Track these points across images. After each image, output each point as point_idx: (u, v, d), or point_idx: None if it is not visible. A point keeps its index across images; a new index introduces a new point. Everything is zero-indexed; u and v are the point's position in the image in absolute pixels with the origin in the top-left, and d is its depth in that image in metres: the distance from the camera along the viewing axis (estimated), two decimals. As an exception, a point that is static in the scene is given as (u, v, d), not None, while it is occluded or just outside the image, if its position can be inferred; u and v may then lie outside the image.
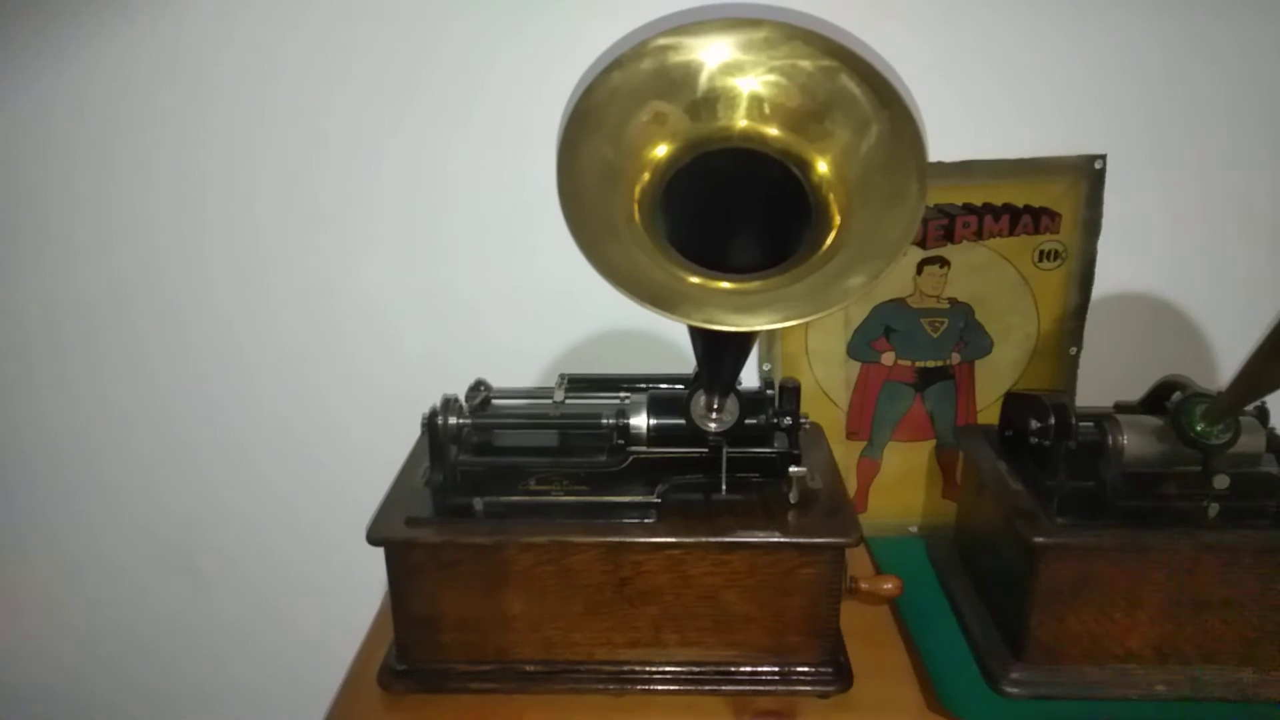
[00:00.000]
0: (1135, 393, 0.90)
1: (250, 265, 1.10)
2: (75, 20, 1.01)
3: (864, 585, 0.89)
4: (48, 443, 1.19)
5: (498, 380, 0.95)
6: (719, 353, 0.74)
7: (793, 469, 0.82)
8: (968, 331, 1.05)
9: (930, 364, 1.06)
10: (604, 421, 0.86)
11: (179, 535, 1.23)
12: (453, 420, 0.83)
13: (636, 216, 0.58)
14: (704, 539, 0.79)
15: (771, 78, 0.57)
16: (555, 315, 1.11)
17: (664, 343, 1.09)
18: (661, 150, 0.58)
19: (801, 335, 1.05)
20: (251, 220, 1.08)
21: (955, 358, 1.06)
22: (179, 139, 1.05)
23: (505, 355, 1.11)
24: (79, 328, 1.13)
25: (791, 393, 0.85)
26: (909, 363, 1.06)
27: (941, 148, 0.96)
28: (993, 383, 1.06)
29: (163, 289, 1.11)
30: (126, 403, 1.17)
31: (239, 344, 1.14)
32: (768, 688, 0.83)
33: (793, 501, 0.82)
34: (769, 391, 0.86)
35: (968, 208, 1.00)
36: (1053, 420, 0.84)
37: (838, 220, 0.58)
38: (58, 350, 1.15)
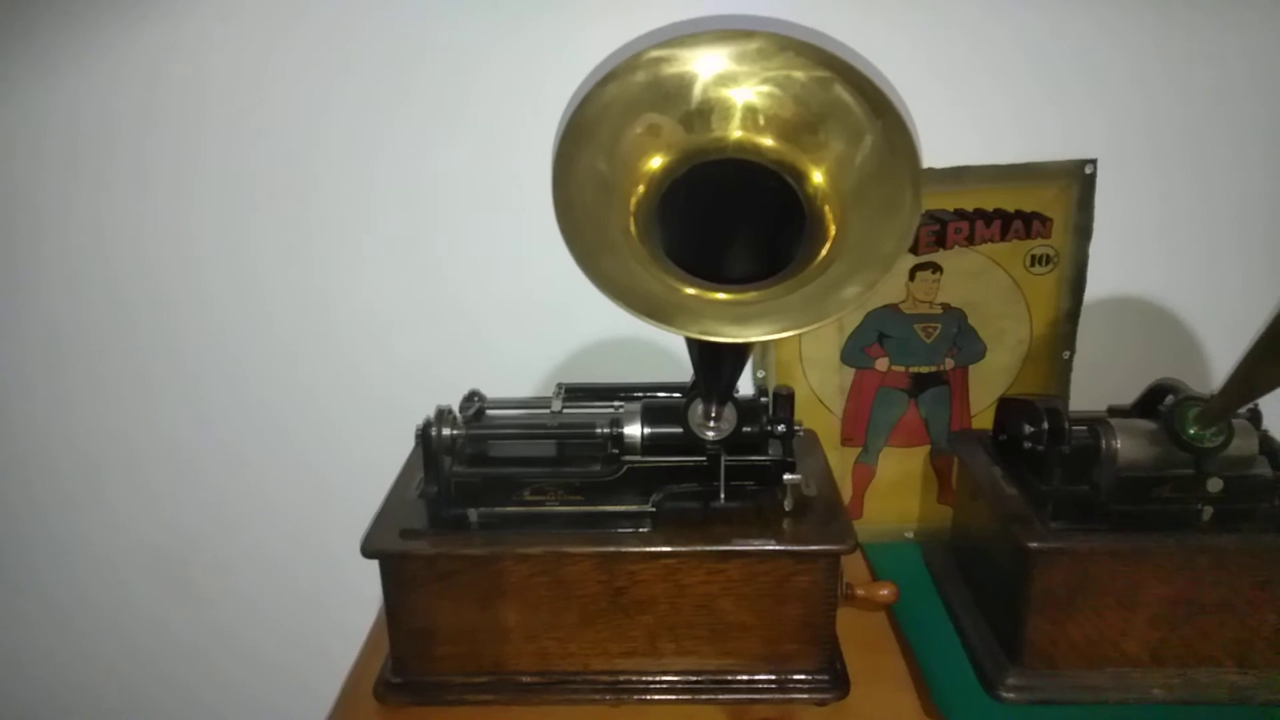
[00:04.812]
0: (1128, 397, 0.90)
1: (247, 275, 1.10)
2: (68, 33, 1.01)
3: (860, 592, 0.89)
4: (47, 452, 1.19)
5: (496, 391, 0.95)
6: (716, 362, 0.74)
7: (787, 476, 0.82)
8: (961, 337, 1.05)
9: (924, 369, 1.06)
10: (598, 431, 0.86)
11: (177, 544, 1.23)
12: (446, 431, 0.83)
13: (632, 228, 0.58)
14: (699, 548, 0.79)
15: (765, 89, 0.56)
16: (553, 325, 1.11)
17: (662, 351, 1.09)
18: (656, 162, 0.58)
19: (795, 342, 1.05)
20: (248, 231, 1.08)
21: (949, 363, 1.06)
22: (173, 149, 1.05)
23: (504, 366, 1.11)
24: (77, 336, 1.13)
25: (785, 400, 0.84)
26: (903, 368, 1.06)
27: (932, 153, 0.96)
28: (986, 388, 1.07)
29: (160, 298, 1.11)
30: (124, 413, 1.17)
31: (236, 354, 1.14)
32: (764, 696, 0.83)
33: (788, 509, 0.82)
34: (763, 399, 0.86)
35: (959, 213, 1.00)
36: (1046, 425, 0.85)
37: (833, 230, 0.58)
38: (56, 358, 1.14)
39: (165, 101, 1.04)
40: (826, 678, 0.83)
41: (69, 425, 1.18)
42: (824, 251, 0.58)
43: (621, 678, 0.83)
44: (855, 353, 1.06)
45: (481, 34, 1.00)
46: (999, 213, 1.00)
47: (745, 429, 0.83)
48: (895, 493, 1.10)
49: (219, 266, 1.10)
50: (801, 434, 0.87)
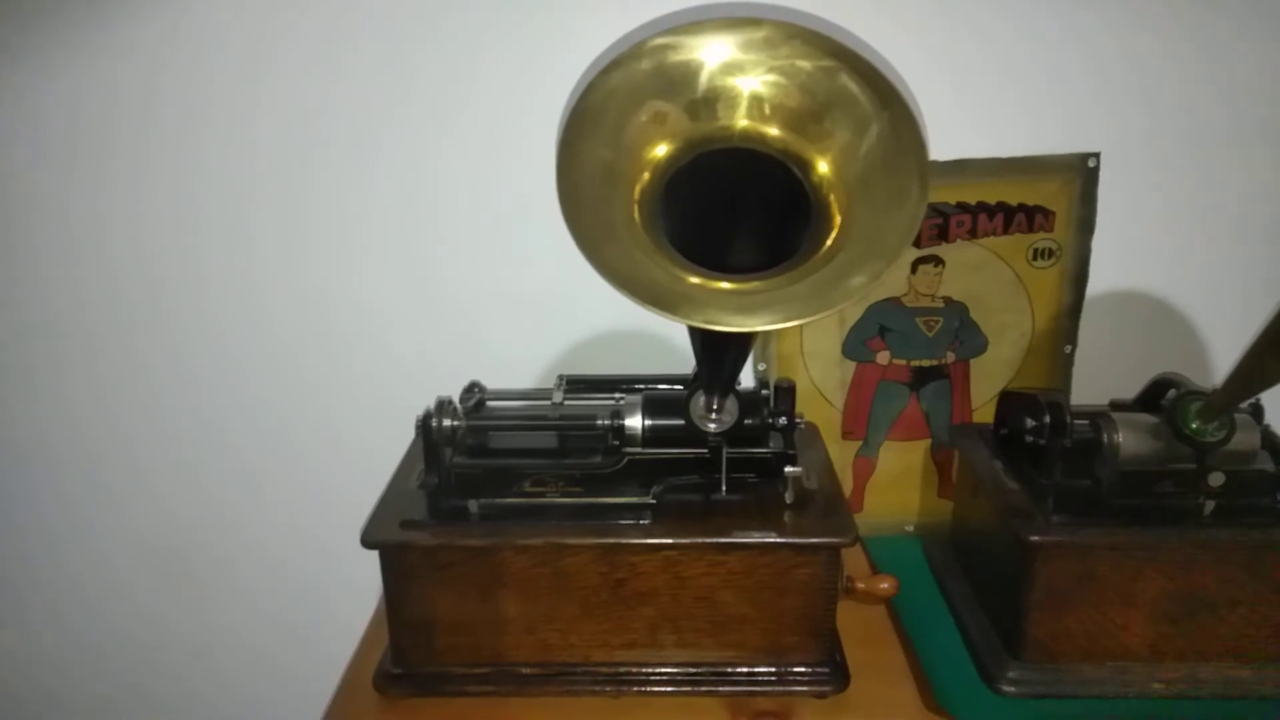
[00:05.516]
0: (1130, 391, 0.90)
1: (247, 269, 1.10)
2: (67, 29, 1.00)
3: (860, 585, 0.89)
4: (47, 447, 1.19)
5: (498, 382, 0.94)
6: (719, 353, 0.74)
7: (788, 469, 0.81)
8: (962, 330, 1.05)
9: (925, 363, 1.06)
10: (599, 423, 0.85)
11: (176, 537, 1.23)
12: (447, 422, 0.82)
13: (636, 217, 0.58)
14: (699, 540, 0.79)
15: (771, 77, 0.56)
16: (555, 317, 1.10)
17: (665, 343, 1.09)
18: (661, 150, 0.58)
19: (797, 335, 1.05)
20: (248, 225, 1.08)
21: (950, 356, 1.06)
22: (173, 145, 1.05)
23: (505, 358, 1.11)
24: (77, 332, 1.13)
25: (786, 393, 0.84)
26: (904, 362, 1.06)
27: (935, 146, 0.95)
28: (988, 381, 1.06)
29: (160, 294, 1.11)
30: (124, 407, 1.16)
31: (236, 348, 1.13)
32: (765, 688, 0.83)
33: (789, 502, 0.82)
34: (764, 392, 0.86)
35: (962, 206, 1.00)
36: (1048, 418, 0.84)
37: (838, 220, 0.58)
38: (56, 355, 1.14)
39: (165, 99, 1.03)
40: (826, 670, 0.83)
41: (69, 421, 1.17)
42: (829, 241, 0.58)
43: (622, 669, 0.83)
44: (856, 346, 1.06)
45: (482, 26, 1.00)
46: (1001, 206, 1.00)
47: (746, 421, 0.83)
48: (896, 486, 1.10)
49: (219, 262, 1.10)
50: (802, 427, 0.86)
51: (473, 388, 0.93)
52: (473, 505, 0.82)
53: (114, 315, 1.12)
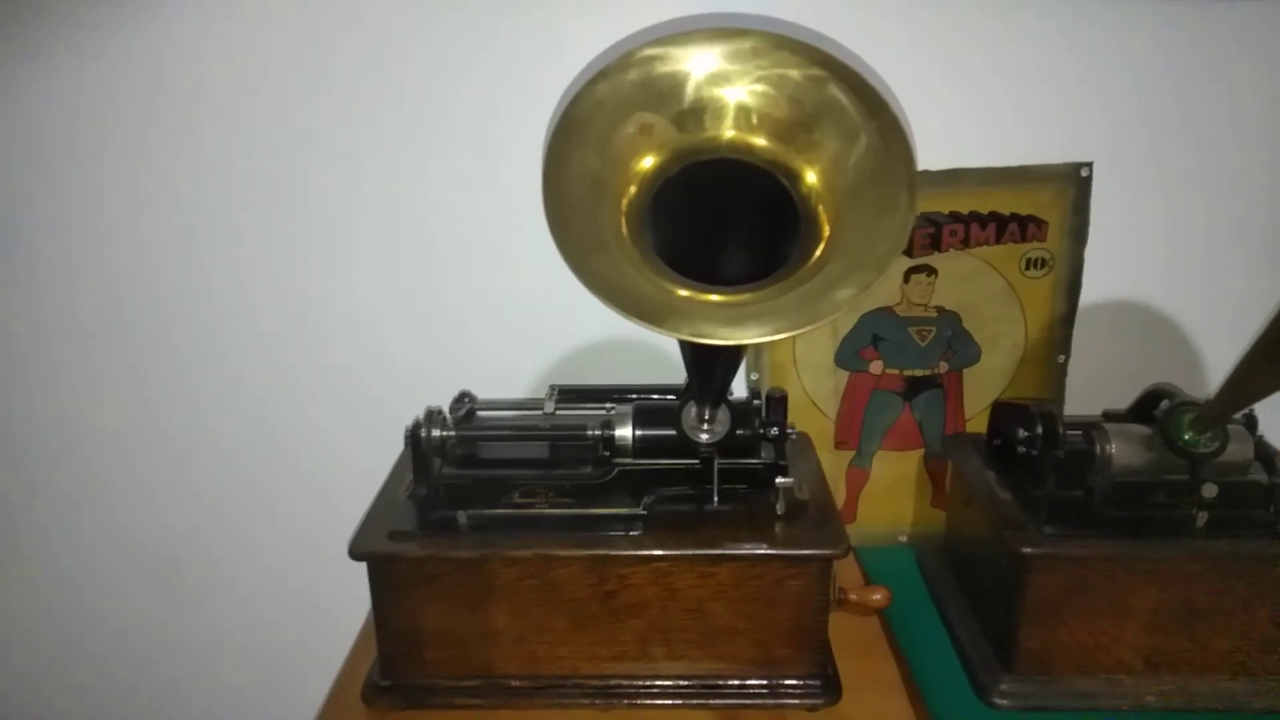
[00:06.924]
0: (1123, 401, 0.90)
1: (240, 274, 1.10)
2: (61, 32, 1.00)
3: (853, 596, 0.89)
4: (42, 451, 1.18)
5: (491, 391, 0.94)
6: (709, 364, 0.73)
7: (780, 480, 0.81)
8: (955, 340, 1.04)
9: (918, 373, 1.06)
10: (589, 433, 0.85)
11: (169, 542, 1.23)
12: (436, 433, 0.82)
13: (624, 229, 0.58)
14: (690, 551, 0.79)
15: (759, 88, 0.56)
16: (547, 326, 1.10)
17: (657, 353, 1.08)
18: (648, 162, 0.58)
19: (789, 345, 1.05)
20: (240, 231, 1.08)
21: (943, 366, 1.05)
22: (167, 150, 1.05)
23: (498, 367, 1.10)
24: (72, 336, 1.13)
25: (778, 403, 0.84)
26: (897, 371, 1.06)
27: (927, 155, 0.95)
28: (981, 391, 1.06)
29: (154, 299, 1.11)
30: (118, 411, 1.16)
31: (229, 354, 1.13)
32: (756, 701, 0.82)
33: (780, 512, 0.82)
34: (756, 402, 0.86)
35: (954, 216, 1.00)
36: (1040, 429, 0.84)
37: (827, 231, 0.58)
38: (51, 358, 1.14)
39: (159, 101, 1.03)
40: (818, 683, 0.83)
41: (63, 423, 1.17)
42: (818, 252, 0.58)
43: (611, 682, 0.83)
44: (849, 355, 1.05)
45: (473, 32, 1.00)
46: (994, 215, 1.00)
47: (738, 431, 0.82)
48: (889, 496, 1.10)
49: (213, 267, 1.09)
50: (795, 437, 0.86)
51: (463, 397, 0.92)
52: (462, 516, 0.81)
53: (108, 319, 1.12)
